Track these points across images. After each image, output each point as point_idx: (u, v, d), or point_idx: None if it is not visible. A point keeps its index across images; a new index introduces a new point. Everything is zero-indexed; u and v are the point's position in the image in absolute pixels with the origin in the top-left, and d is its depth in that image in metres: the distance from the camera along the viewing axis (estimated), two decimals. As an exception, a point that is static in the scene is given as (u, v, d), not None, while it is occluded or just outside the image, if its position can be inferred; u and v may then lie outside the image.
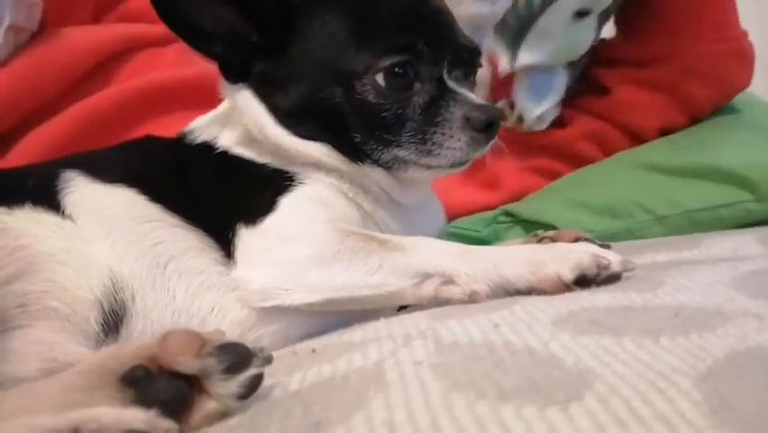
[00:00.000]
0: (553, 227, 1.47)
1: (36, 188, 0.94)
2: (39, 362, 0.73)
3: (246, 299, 0.92)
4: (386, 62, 0.99)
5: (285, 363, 0.70)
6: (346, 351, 0.68)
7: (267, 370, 0.60)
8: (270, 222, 0.95)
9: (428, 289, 0.85)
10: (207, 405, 0.56)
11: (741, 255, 0.96)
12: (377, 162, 1.04)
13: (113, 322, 0.86)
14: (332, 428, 0.50)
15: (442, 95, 1.02)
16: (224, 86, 1.09)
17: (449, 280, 0.85)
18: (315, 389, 0.59)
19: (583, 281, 0.79)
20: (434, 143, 1.01)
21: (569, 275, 0.79)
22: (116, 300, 0.87)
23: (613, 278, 0.81)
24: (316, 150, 1.03)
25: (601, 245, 0.97)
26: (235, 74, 1.06)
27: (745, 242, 1.06)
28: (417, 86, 1.01)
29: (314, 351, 0.73)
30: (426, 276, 0.86)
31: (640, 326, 0.60)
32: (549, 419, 0.45)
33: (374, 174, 1.05)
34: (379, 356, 0.63)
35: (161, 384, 0.56)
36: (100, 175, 0.98)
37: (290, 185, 1.00)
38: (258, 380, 0.58)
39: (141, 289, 0.90)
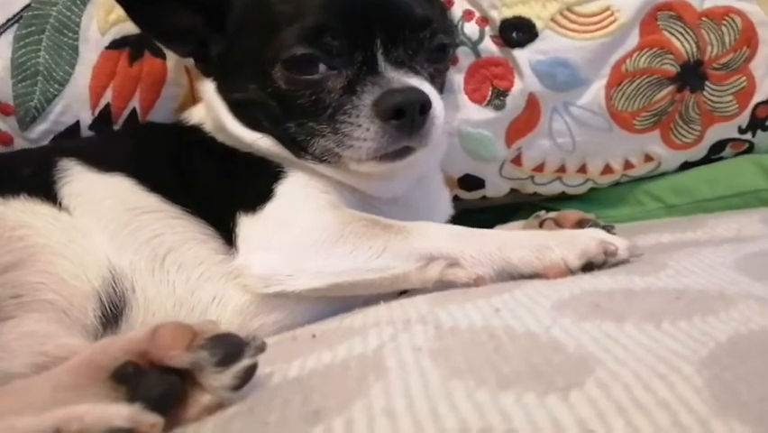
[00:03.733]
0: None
1: (32, 178, 0.93)
2: (28, 356, 0.72)
3: (248, 286, 0.91)
4: (288, 52, 0.94)
5: (284, 349, 0.69)
6: (346, 337, 0.68)
7: (266, 356, 0.59)
8: (271, 208, 0.94)
9: (433, 271, 0.84)
10: (201, 399, 0.55)
11: (745, 236, 0.95)
12: (313, 156, 0.98)
13: (112, 315, 0.86)
14: (331, 417, 0.49)
15: (360, 79, 0.94)
16: (200, 81, 1.10)
17: (454, 263, 0.84)
18: (315, 376, 0.59)
19: (589, 268, 0.78)
20: (344, 134, 0.93)
21: (576, 262, 0.78)
22: (116, 293, 0.87)
23: (619, 263, 0.79)
24: (264, 142, 1.01)
25: (604, 227, 0.96)
26: (207, 69, 1.07)
27: (749, 222, 1.04)
28: (329, 71, 0.94)
29: (314, 336, 0.73)
30: (431, 259, 0.85)
31: (642, 310, 0.59)
32: (549, 407, 0.44)
33: (319, 168, 0.99)
34: (378, 342, 0.63)
35: (153, 380, 0.55)
36: (98, 164, 0.97)
37: (282, 171, 0.99)
38: (252, 370, 0.57)
39: (141, 281, 0.89)
